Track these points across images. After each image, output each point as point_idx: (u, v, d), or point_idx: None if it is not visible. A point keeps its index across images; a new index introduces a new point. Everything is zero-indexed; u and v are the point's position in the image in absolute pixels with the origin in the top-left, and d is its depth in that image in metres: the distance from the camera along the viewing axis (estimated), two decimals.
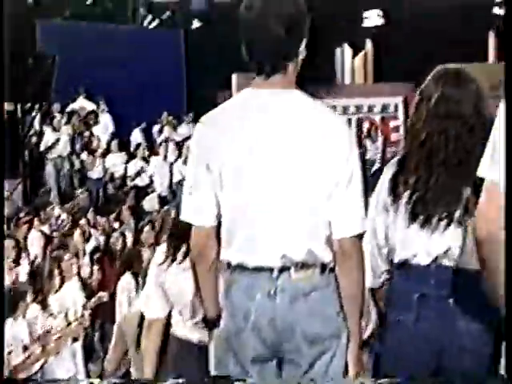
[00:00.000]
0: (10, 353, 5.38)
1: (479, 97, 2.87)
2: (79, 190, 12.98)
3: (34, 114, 14.89)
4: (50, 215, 10.82)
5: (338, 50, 17.54)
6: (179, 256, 3.48)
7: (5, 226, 9.23)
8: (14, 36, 12.04)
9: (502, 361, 2.64)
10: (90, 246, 9.41)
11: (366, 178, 2.61)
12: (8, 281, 7.08)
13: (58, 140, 14.63)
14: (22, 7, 15.45)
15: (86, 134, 15.34)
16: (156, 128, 16.88)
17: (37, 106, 14.85)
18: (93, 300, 6.93)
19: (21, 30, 14.08)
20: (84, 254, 8.97)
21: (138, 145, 15.85)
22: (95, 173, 14.85)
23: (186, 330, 3.53)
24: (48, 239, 9.34)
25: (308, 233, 2.54)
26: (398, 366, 2.81)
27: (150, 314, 3.66)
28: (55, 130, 14.82)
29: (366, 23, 17.12)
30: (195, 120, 16.99)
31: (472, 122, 2.83)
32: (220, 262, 2.60)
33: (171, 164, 15.18)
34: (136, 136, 16.43)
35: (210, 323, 2.67)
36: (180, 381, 2.76)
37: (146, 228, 8.40)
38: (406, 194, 2.85)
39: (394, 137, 16.59)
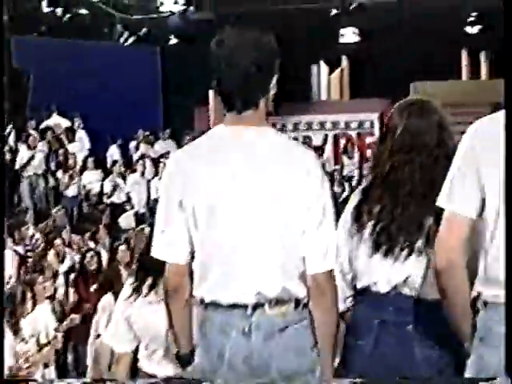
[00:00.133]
0: None
1: (442, 127, 2.90)
2: (55, 209, 12.88)
3: (8, 130, 14.79)
4: (24, 235, 10.72)
5: (314, 67, 17.63)
6: (144, 289, 3.44)
7: None
8: None
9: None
10: (64, 267, 9.32)
11: (337, 208, 2.61)
12: None
13: (32, 157, 14.54)
14: None
15: (61, 151, 15.23)
16: (132, 144, 16.83)
17: (11, 124, 14.76)
18: (65, 323, 6.88)
19: None
20: (58, 274, 8.89)
21: (115, 161, 15.78)
22: (71, 190, 14.75)
23: (152, 365, 3.50)
24: (22, 259, 9.26)
25: (282, 269, 2.51)
26: None
27: (118, 348, 3.64)
28: (30, 147, 14.73)
29: (342, 40, 17.22)
30: (172, 137, 16.96)
31: (436, 153, 2.86)
32: (193, 297, 2.57)
33: (148, 181, 15.13)
34: (112, 152, 16.35)
35: (183, 359, 2.65)
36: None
37: (122, 247, 8.31)
38: (370, 224, 2.87)
39: (369, 153, 16.66)
